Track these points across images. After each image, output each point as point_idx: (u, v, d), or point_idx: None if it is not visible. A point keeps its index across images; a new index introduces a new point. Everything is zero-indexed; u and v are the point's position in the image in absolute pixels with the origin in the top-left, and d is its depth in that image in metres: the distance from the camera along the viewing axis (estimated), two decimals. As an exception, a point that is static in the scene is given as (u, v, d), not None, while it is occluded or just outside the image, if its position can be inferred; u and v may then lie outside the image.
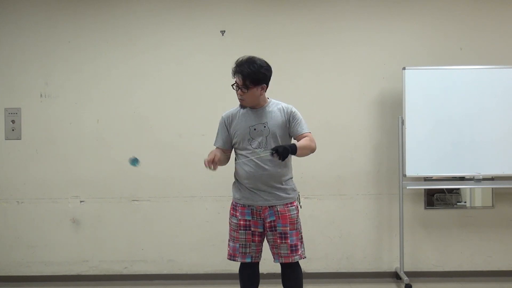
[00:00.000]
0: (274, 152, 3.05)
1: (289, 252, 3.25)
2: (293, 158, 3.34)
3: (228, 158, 3.40)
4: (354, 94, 4.78)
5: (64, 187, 4.80)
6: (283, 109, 3.29)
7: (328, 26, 4.78)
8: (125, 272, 4.81)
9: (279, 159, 3.05)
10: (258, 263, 3.36)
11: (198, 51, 4.79)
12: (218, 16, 4.78)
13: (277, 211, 3.24)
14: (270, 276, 4.28)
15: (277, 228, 3.24)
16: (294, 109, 3.31)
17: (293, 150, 3.11)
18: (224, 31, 4.78)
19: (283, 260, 3.26)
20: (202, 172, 4.71)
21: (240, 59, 3.21)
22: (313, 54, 4.77)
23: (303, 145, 3.20)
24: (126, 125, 4.79)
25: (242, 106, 3.31)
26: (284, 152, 3.05)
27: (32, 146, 4.80)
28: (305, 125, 3.31)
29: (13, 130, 4.80)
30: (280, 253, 3.25)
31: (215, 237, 4.73)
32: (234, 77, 3.22)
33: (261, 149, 3.20)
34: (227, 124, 3.35)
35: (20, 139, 4.80)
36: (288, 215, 3.26)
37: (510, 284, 4.63)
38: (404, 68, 4.48)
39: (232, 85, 3.25)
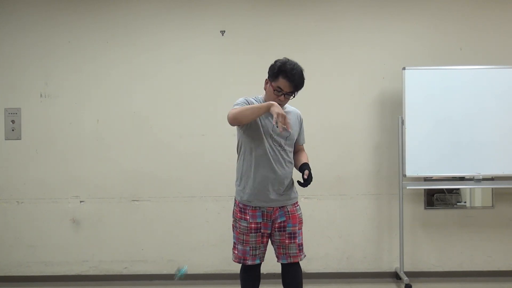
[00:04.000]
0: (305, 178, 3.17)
1: (297, 251, 3.25)
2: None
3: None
4: (354, 94, 4.78)
5: (64, 187, 4.80)
6: (297, 115, 3.35)
7: (328, 26, 4.79)
8: (125, 272, 4.81)
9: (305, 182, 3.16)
10: (260, 264, 3.36)
11: (198, 51, 4.79)
12: (218, 16, 4.78)
13: (288, 211, 3.23)
14: (270, 276, 4.28)
15: (287, 228, 3.22)
16: (302, 116, 3.41)
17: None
18: (224, 31, 4.78)
19: (292, 260, 3.24)
20: (202, 172, 4.78)
21: (292, 67, 3.11)
22: (313, 54, 4.77)
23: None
24: (126, 125, 4.79)
25: None
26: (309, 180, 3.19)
27: (32, 146, 4.80)
28: (304, 135, 3.44)
29: (13, 130, 4.80)
30: (289, 253, 3.24)
31: (215, 237, 4.73)
32: (277, 81, 3.11)
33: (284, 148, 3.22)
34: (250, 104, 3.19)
35: (20, 139, 4.81)
36: (297, 214, 3.27)
37: (510, 284, 4.63)
38: (404, 68, 4.49)
39: (275, 90, 3.13)
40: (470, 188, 4.79)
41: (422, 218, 4.80)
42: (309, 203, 4.74)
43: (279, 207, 3.23)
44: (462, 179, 4.64)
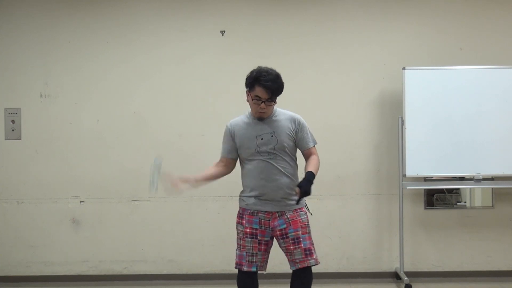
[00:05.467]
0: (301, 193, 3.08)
1: (303, 256, 3.16)
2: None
3: (229, 170, 3.35)
4: (354, 94, 4.78)
5: (64, 187, 4.80)
6: (291, 119, 3.22)
7: (328, 26, 4.79)
8: (125, 272, 4.81)
9: (304, 194, 3.09)
10: (257, 272, 3.28)
11: (198, 51, 4.79)
12: (218, 16, 4.78)
13: (287, 218, 3.17)
14: (270, 276, 4.28)
15: (289, 234, 3.16)
16: (302, 120, 3.24)
17: (312, 179, 3.16)
18: (224, 31, 4.78)
19: (299, 266, 3.17)
20: (202, 172, 4.76)
21: (265, 74, 3.07)
22: (313, 54, 4.77)
23: (315, 169, 3.25)
24: (126, 125, 4.79)
25: (259, 118, 3.19)
26: (308, 188, 3.10)
27: (32, 146, 4.80)
28: (311, 138, 3.30)
29: (13, 130, 4.80)
30: (295, 259, 3.17)
31: (215, 237, 4.73)
32: (254, 90, 3.10)
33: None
34: (232, 133, 3.27)
35: (20, 139, 4.80)
36: (299, 219, 3.20)
37: (510, 284, 4.63)
38: (404, 68, 4.49)
39: (253, 99, 3.12)
40: (470, 188, 4.79)
41: (422, 218, 4.80)
42: (309, 203, 4.66)
43: (278, 216, 3.18)
44: (462, 179, 4.64)
